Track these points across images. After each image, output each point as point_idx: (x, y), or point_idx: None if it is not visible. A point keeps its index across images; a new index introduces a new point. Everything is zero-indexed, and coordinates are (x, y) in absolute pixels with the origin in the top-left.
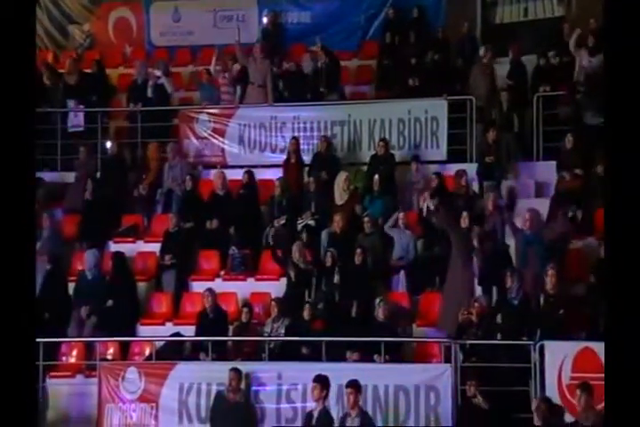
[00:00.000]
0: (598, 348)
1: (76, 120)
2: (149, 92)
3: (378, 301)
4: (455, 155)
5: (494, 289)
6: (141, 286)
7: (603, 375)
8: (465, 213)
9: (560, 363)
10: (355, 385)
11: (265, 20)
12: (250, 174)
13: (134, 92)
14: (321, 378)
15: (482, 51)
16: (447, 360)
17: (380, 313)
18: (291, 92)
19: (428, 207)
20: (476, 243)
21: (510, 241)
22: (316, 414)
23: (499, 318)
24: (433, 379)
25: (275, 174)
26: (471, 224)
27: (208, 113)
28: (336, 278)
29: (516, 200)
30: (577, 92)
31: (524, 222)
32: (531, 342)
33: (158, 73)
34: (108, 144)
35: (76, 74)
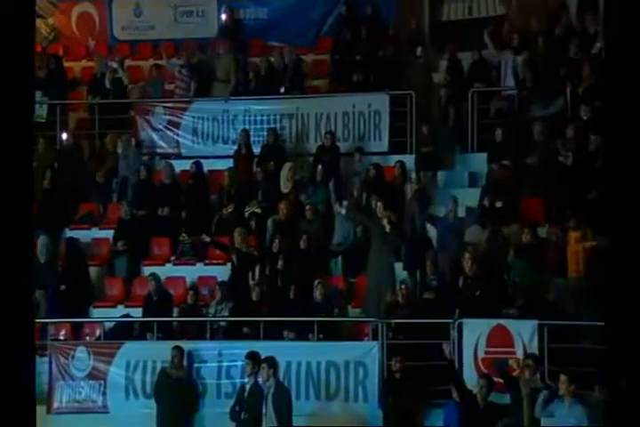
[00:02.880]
0: (509, 324)
1: (39, 111)
2: (107, 84)
3: (316, 283)
4: (396, 147)
5: (418, 272)
6: (96, 270)
7: (513, 349)
8: (380, 204)
9: (476, 339)
10: (269, 360)
11: (223, 15)
12: (197, 165)
13: (93, 84)
14: (252, 355)
15: (419, 51)
16: (375, 338)
17: (317, 294)
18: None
19: (347, 205)
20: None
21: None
22: (247, 387)
23: (421, 299)
24: (361, 355)
25: (226, 165)
26: (392, 212)
27: (164, 106)
28: (278, 263)
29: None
30: (506, 89)
31: (447, 211)
32: (450, 321)
33: (114, 65)
34: (64, 135)
35: (41, 68)
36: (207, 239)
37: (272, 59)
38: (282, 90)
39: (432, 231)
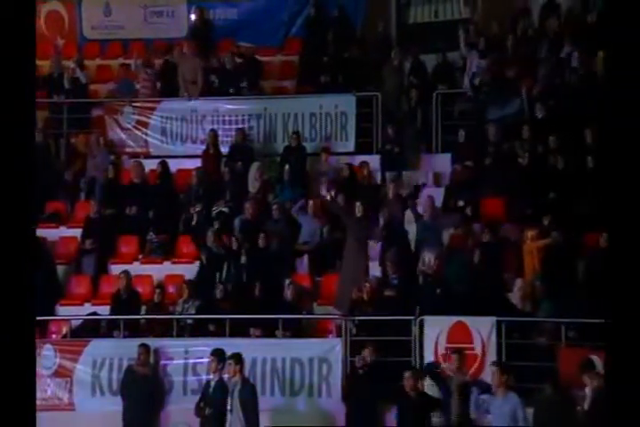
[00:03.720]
0: (469, 321)
1: None
2: (66, 84)
3: (287, 282)
4: (362, 147)
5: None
6: (63, 268)
7: (472, 345)
8: (358, 203)
9: (436, 335)
10: (236, 357)
11: (193, 16)
12: (163, 165)
13: (54, 83)
14: (217, 352)
15: (393, 53)
16: (340, 335)
17: (288, 294)
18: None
19: (330, 196)
20: (372, 229)
21: (409, 227)
22: (212, 383)
23: (385, 296)
24: (325, 352)
25: (195, 164)
26: (368, 212)
27: (132, 106)
28: (245, 261)
29: (420, 190)
30: (471, 90)
31: (423, 210)
32: (411, 318)
33: (72, 66)
34: None
35: None
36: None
37: (226, 59)
38: (231, 90)
39: (410, 229)
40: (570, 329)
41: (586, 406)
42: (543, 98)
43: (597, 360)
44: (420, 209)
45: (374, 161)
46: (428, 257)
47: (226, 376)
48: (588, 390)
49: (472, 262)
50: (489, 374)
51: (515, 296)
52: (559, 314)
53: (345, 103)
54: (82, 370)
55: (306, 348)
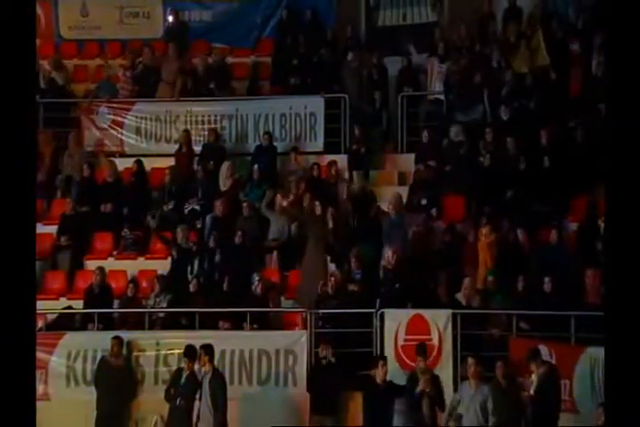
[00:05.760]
0: (426, 314)
1: None
2: (42, 84)
3: (257, 278)
4: (331, 147)
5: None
6: (38, 264)
7: (429, 337)
8: (317, 202)
9: (396, 328)
10: (207, 348)
11: (170, 17)
12: (139, 163)
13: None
14: (190, 350)
15: (353, 55)
16: (306, 327)
17: (257, 288)
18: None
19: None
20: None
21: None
22: (184, 375)
23: (350, 291)
24: (291, 344)
25: (168, 163)
26: (327, 209)
27: (108, 106)
28: (216, 257)
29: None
30: (433, 93)
31: (388, 206)
32: (372, 311)
33: (47, 67)
34: None
35: None
36: (152, 224)
37: (211, 60)
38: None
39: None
40: (521, 321)
41: (532, 391)
42: (506, 102)
43: (544, 349)
44: (385, 207)
45: (342, 160)
46: (388, 253)
47: (197, 367)
48: (534, 377)
49: (431, 260)
50: (445, 365)
51: (461, 295)
52: (510, 306)
53: (314, 104)
54: (57, 362)
55: (272, 340)
